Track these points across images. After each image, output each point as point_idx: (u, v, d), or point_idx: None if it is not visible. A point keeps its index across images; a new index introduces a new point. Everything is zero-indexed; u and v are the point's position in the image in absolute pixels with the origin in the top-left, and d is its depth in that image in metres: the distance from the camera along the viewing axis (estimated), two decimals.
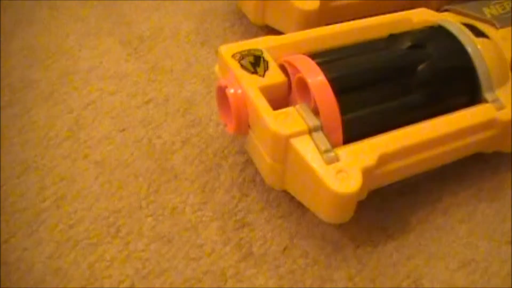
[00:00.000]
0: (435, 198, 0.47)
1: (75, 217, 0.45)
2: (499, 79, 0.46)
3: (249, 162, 0.48)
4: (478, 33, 0.48)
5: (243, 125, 0.43)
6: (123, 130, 0.52)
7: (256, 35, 0.60)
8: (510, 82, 0.48)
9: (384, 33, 0.50)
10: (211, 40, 0.60)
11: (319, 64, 0.43)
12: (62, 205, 0.46)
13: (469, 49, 0.46)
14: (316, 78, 0.41)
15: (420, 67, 0.44)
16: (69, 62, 0.59)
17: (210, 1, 0.65)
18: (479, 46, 0.46)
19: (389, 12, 0.54)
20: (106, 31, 0.61)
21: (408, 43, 0.46)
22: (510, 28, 0.52)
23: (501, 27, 0.52)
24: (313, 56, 0.44)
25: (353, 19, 0.53)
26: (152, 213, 0.45)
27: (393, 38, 0.46)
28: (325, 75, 0.41)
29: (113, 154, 0.50)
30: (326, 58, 0.44)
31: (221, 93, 0.44)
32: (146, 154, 0.50)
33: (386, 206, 0.46)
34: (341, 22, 0.52)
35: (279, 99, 0.44)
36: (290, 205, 0.44)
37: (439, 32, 0.47)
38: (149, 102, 0.54)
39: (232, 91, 0.44)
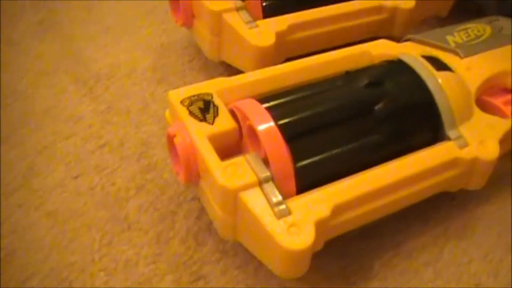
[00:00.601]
0: (400, 240, 0.45)
1: (26, 272, 0.44)
2: (462, 114, 0.44)
3: (204, 209, 0.45)
4: (440, 66, 0.45)
5: (193, 175, 0.41)
6: (77, 177, 0.50)
7: (215, 70, 0.58)
8: (475, 116, 0.45)
9: (342, 68, 0.48)
10: (169, 77, 0.58)
11: (269, 109, 0.41)
12: (13, 260, 0.44)
13: (430, 84, 0.44)
14: (265, 125, 0.39)
15: (378, 106, 0.42)
16: (26, 103, 0.57)
17: (170, 34, 0.62)
18: (440, 81, 0.44)
19: (351, 40, 0.54)
20: (62, 70, 0.60)
21: (365, 81, 0.43)
22: (475, 56, 0.49)
23: (466, 56, 0.49)
24: (263, 100, 0.42)
25: (314, 51, 0.52)
26: (104, 267, 0.44)
27: (350, 76, 0.44)
28: (275, 121, 0.39)
29: (66, 204, 0.48)
30: (277, 102, 0.42)
31: (170, 141, 0.42)
32: (99, 203, 0.48)
33: (348, 251, 0.44)
34: (302, 54, 0.52)
35: (231, 146, 0.42)
36: (247, 254, 0.42)
37: (398, 67, 0.45)
38: (104, 146, 0.51)
39: (180, 140, 0.41)
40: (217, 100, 0.43)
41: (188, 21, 0.55)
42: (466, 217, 0.46)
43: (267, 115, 0.40)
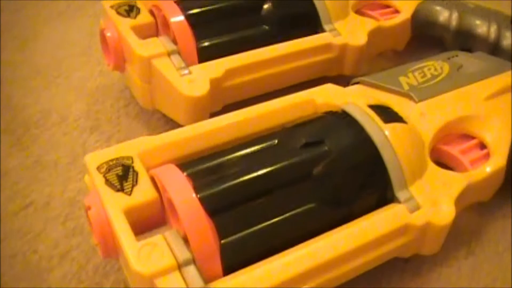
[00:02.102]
0: None
1: None
2: (414, 172, 0.39)
3: None
4: (389, 117, 0.41)
5: (112, 250, 0.37)
6: None
7: (152, 115, 0.54)
8: (428, 172, 0.39)
9: (282, 120, 0.44)
10: (102, 125, 0.53)
11: (191, 176, 0.35)
12: None
13: (376, 140, 0.39)
14: (185, 198, 0.33)
15: (316, 169, 0.36)
16: None
17: (106, 76, 0.57)
18: (388, 135, 0.39)
19: (298, 81, 0.51)
20: None
21: (302, 140, 0.38)
22: (431, 100, 0.44)
23: (420, 100, 0.44)
24: (186, 165, 0.38)
25: (258, 95, 0.49)
26: None
27: (286, 134, 0.39)
28: (197, 192, 0.33)
29: None
30: (202, 167, 0.37)
31: (87, 212, 0.37)
32: (21, 274, 0.44)
33: None
34: (242, 98, 0.49)
35: (153, 217, 0.37)
36: None
37: (340, 121, 0.40)
38: (28, 206, 0.47)
39: (94, 213, 0.37)
40: (137, 165, 0.37)
41: (120, 65, 0.49)
42: (420, 282, 0.41)
43: (187, 185, 0.34)
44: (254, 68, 0.48)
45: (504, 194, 0.46)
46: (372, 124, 0.40)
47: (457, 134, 0.46)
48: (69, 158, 0.51)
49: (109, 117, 0.54)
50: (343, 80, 0.49)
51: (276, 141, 0.39)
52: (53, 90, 0.57)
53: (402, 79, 0.47)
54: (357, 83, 0.47)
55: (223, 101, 0.48)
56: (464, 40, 0.57)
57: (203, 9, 0.50)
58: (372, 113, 0.40)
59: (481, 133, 0.45)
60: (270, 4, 0.50)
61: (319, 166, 0.37)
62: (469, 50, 0.53)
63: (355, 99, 0.42)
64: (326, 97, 0.44)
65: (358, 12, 0.57)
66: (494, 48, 0.55)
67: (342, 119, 0.40)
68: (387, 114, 0.41)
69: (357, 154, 0.39)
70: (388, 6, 0.58)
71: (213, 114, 0.47)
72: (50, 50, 0.62)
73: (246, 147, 0.39)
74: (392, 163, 0.39)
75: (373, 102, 0.42)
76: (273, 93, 0.50)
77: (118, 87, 0.57)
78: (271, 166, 0.37)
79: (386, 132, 0.39)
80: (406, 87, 0.46)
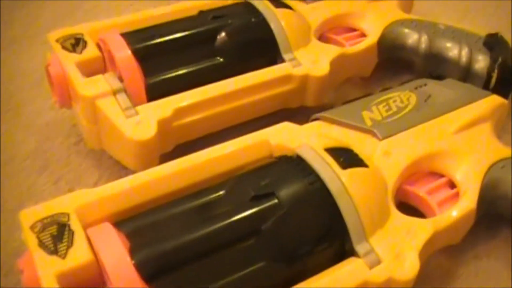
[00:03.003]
0: None
1: None
2: (375, 222, 0.37)
3: None
4: (348, 161, 0.38)
5: None
6: None
7: (103, 155, 0.51)
8: (391, 220, 0.36)
9: (235, 164, 0.41)
10: (51, 164, 0.50)
11: (128, 236, 0.32)
12: None
13: (332, 189, 0.37)
14: (118, 264, 0.30)
15: (266, 224, 0.35)
16: None
17: (57, 111, 0.53)
18: (345, 182, 0.38)
19: (257, 115, 0.49)
20: None
21: (251, 192, 0.35)
22: (395, 137, 0.41)
23: (384, 137, 0.42)
24: (123, 223, 0.35)
25: (211, 132, 0.47)
26: None
27: (234, 185, 0.36)
28: (132, 256, 0.32)
29: None
30: (140, 224, 0.34)
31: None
32: None
33: None
34: (197, 137, 0.46)
35: (88, 280, 0.35)
36: None
37: (293, 169, 0.38)
38: None
39: (27, 278, 0.34)
40: (74, 223, 0.35)
41: (66, 103, 0.46)
42: None
43: (121, 249, 0.31)
44: (207, 105, 0.45)
45: (475, 232, 0.42)
46: (328, 171, 0.36)
47: (425, 172, 0.42)
48: (14, 203, 0.47)
49: (59, 156, 0.51)
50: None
51: (223, 192, 0.36)
52: (1, 128, 0.53)
53: (365, 114, 0.43)
54: (317, 119, 0.43)
55: (175, 141, 0.45)
56: (434, 64, 0.53)
57: (151, 42, 0.46)
58: (328, 157, 0.37)
59: (450, 171, 0.42)
60: (224, 34, 0.47)
61: (269, 221, 0.34)
62: (439, 75, 0.49)
63: (312, 141, 0.39)
64: (281, 138, 0.41)
65: (322, 37, 0.53)
66: (466, 73, 0.52)
67: (295, 166, 0.37)
68: (346, 158, 0.38)
69: (311, 206, 0.35)
70: (354, 29, 0.54)
71: (164, 155, 0.45)
72: (2, 82, 0.57)
73: (190, 201, 0.36)
74: (350, 214, 0.35)
75: (331, 143, 0.39)
76: (230, 128, 0.47)
77: (70, 122, 0.53)
78: (216, 223, 0.34)
79: (344, 180, 0.36)
80: (369, 123, 0.42)
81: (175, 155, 0.42)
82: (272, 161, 0.38)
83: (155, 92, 0.44)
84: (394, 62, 0.55)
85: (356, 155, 0.39)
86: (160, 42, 0.47)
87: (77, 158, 0.51)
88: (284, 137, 0.41)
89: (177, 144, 0.46)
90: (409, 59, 0.54)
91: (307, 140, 0.39)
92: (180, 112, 0.44)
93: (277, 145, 0.41)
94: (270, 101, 0.47)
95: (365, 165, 0.38)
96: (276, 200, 0.35)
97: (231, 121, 0.47)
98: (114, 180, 0.40)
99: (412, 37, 0.54)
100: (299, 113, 0.49)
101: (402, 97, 0.45)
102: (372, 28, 0.53)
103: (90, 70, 0.46)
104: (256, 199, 0.35)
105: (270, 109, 0.48)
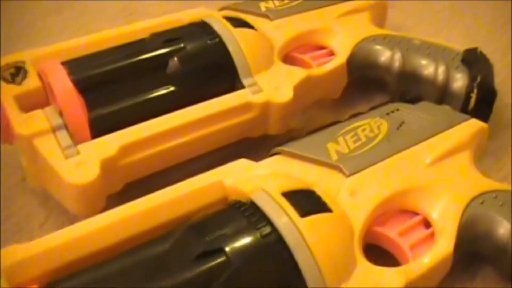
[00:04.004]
0: None
1: None
2: (339, 275, 0.34)
3: None
4: (308, 207, 0.36)
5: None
6: None
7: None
8: (358, 271, 0.33)
9: (186, 208, 0.37)
10: None
11: None
12: None
13: (289, 241, 0.31)
14: None
15: (214, 284, 0.29)
16: None
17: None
18: (304, 231, 0.32)
19: (215, 147, 0.45)
20: None
21: (198, 248, 0.31)
22: (364, 172, 0.39)
23: (352, 173, 0.40)
24: (57, 283, 0.32)
25: (165, 167, 0.43)
26: None
27: (180, 237, 0.32)
28: None
29: None
30: (75, 284, 0.29)
31: None
32: None
33: None
34: (149, 173, 0.43)
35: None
36: None
37: (245, 219, 0.34)
38: None
39: None
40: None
41: (8, 138, 0.41)
42: None
43: None
44: (158, 140, 0.40)
45: (452, 272, 0.38)
46: (285, 220, 0.32)
47: (397, 210, 0.37)
48: None
49: (4, 194, 0.46)
50: None
51: (169, 246, 0.31)
52: None
53: (331, 147, 0.39)
54: (277, 154, 0.39)
55: (123, 180, 0.40)
56: (408, 84, 0.49)
57: (96, 70, 0.42)
58: (286, 204, 0.33)
59: (425, 209, 0.38)
60: (176, 59, 0.42)
61: (219, 279, 0.29)
62: (413, 97, 0.45)
63: (268, 184, 0.34)
64: (236, 179, 0.36)
65: (287, 56, 0.48)
66: (443, 92, 0.47)
67: (248, 216, 0.33)
68: (306, 203, 0.34)
69: (265, 262, 0.31)
70: (322, 47, 0.49)
71: (112, 195, 0.41)
72: None
73: (133, 256, 0.32)
74: (310, 269, 0.31)
75: (289, 186, 0.35)
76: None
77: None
78: (160, 283, 0.30)
79: (302, 229, 0.32)
80: (334, 157, 0.38)
81: (126, 194, 0.39)
82: (223, 209, 0.34)
83: (99, 128, 0.40)
84: (366, 81, 0.50)
85: (318, 198, 0.35)
86: (106, 71, 0.42)
87: (21, 197, 0.45)
88: (238, 177, 0.37)
89: (126, 182, 0.41)
90: (382, 78, 0.49)
91: (263, 182, 0.35)
92: (127, 150, 0.39)
93: (231, 187, 0.36)
94: (228, 131, 0.43)
95: (328, 210, 0.34)
96: (224, 257, 0.30)
97: (186, 155, 0.42)
98: (62, 220, 0.39)
99: (384, 55, 0.49)
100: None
101: (372, 125, 0.41)
102: (341, 46, 0.49)
103: (30, 103, 0.42)
104: (204, 256, 0.30)
105: (229, 140, 0.44)
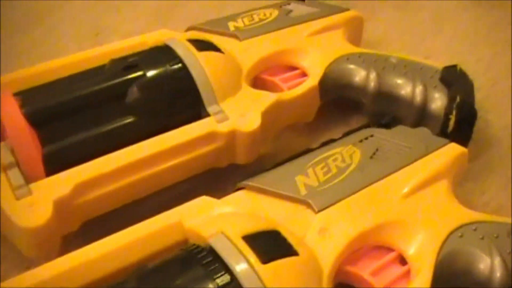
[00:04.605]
0: None
1: None
2: None
3: None
4: (272, 252, 0.33)
5: None
6: None
7: None
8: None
9: (142, 253, 0.35)
10: None
11: None
12: None
13: None
14: None
15: None
16: None
17: None
18: (264, 279, 0.27)
19: (179, 180, 0.43)
20: None
21: None
22: (335, 206, 0.38)
23: (321, 208, 0.38)
24: None
25: (125, 203, 0.40)
26: None
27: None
28: None
29: None
30: None
31: None
32: None
33: None
34: (108, 211, 0.40)
35: None
36: None
37: (202, 269, 0.30)
38: None
39: None
40: None
41: None
42: None
43: None
44: (117, 176, 0.38)
45: None
46: (244, 268, 0.30)
47: (371, 246, 0.35)
48: None
49: None
50: None
51: None
52: None
53: (299, 180, 0.36)
54: (241, 189, 0.36)
55: (80, 219, 0.38)
56: (385, 105, 0.46)
57: (50, 102, 0.40)
58: (246, 249, 0.31)
59: (400, 245, 0.36)
60: (135, 87, 0.39)
61: None
62: (389, 118, 0.42)
63: (228, 227, 0.31)
64: (196, 219, 0.34)
65: (257, 79, 0.45)
66: (421, 114, 0.45)
67: (207, 264, 0.30)
68: (269, 247, 0.32)
69: None
70: (294, 68, 0.47)
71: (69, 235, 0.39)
72: None
73: None
74: None
75: (252, 227, 0.32)
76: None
77: None
78: None
79: (264, 278, 0.30)
80: (303, 192, 0.36)
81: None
82: (180, 255, 0.31)
83: (54, 164, 0.38)
84: (342, 101, 0.48)
85: (283, 240, 0.32)
86: (61, 102, 0.40)
87: None
88: (198, 218, 0.34)
89: (84, 221, 0.39)
90: (357, 100, 0.47)
91: (223, 224, 0.33)
92: (83, 187, 0.37)
93: (190, 229, 0.33)
94: (192, 163, 0.40)
95: (294, 253, 0.31)
96: None
97: (148, 190, 0.40)
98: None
99: (359, 75, 0.47)
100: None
101: (344, 155, 0.38)
102: (313, 67, 0.46)
103: None
104: None
105: (194, 171, 0.41)
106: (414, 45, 0.59)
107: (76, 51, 0.51)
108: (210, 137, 0.41)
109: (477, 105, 0.46)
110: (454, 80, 0.46)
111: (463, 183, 0.44)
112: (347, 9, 0.53)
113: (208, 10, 0.62)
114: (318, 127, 0.48)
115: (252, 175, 0.38)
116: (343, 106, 0.49)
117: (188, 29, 0.49)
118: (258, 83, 0.47)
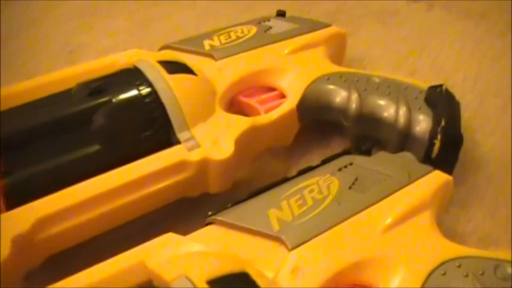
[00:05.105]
0: None
1: None
2: None
3: None
4: None
5: None
6: None
7: None
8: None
9: None
10: None
11: None
12: None
13: None
14: None
15: None
16: None
17: None
18: None
19: (149, 210, 0.40)
20: None
21: None
22: (307, 245, 0.35)
23: (293, 247, 0.35)
24: None
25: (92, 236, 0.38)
26: None
27: None
28: None
29: None
30: None
31: None
32: None
33: None
34: (72, 245, 0.38)
35: None
36: None
37: None
38: None
39: None
40: None
41: None
42: None
43: None
44: (81, 209, 0.36)
45: None
46: None
47: (349, 286, 0.32)
48: None
49: None
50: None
51: None
52: None
53: (272, 214, 0.34)
54: (210, 223, 0.35)
55: (43, 255, 0.36)
56: (367, 127, 0.44)
57: (11, 129, 0.38)
58: None
59: (379, 284, 0.33)
60: (101, 114, 0.37)
61: None
62: (370, 144, 0.39)
63: (193, 268, 0.29)
64: (160, 260, 0.31)
65: (233, 100, 0.43)
66: (405, 137, 0.42)
67: None
68: None
69: None
70: (273, 89, 0.44)
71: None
72: None
73: None
74: None
75: (218, 270, 0.30)
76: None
77: None
78: None
79: None
80: (276, 227, 0.34)
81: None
82: None
83: (15, 197, 0.35)
84: (323, 123, 0.45)
85: (252, 284, 0.29)
86: (23, 130, 0.37)
87: None
88: (163, 258, 0.31)
89: (48, 256, 0.37)
90: (338, 122, 0.44)
91: (187, 266, 0.30)
92: (45, 222, 0.35)
93: (153, 270, 0.31)
94: (161, 194, 0.38)
95: None
96: None
97: (114, 222, 0.37)
98: None
99: (339, 96, 0.45)
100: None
101: (321, 185, 0.36)
102: (292, 88, 0.44)
103: None
104: None
105: (164, 202, 0.39)
106: (399, 61, 0.56)
107: (50, 68, 0.49)
108: (180, 166, 0.38)
109: (464, 125, 0.43)
110: (440, 101, 0.43)
111: (448, 209, 0.42)
112: (329, 25, 0.51)
113: (186, 26, 0.60)
114: (298, 150, 0.46)
115: (223, 207, 0.35)
116: (324, 127, 0.47)
117: (162, 48, 0.47)
118: (234, 105, 0.44)
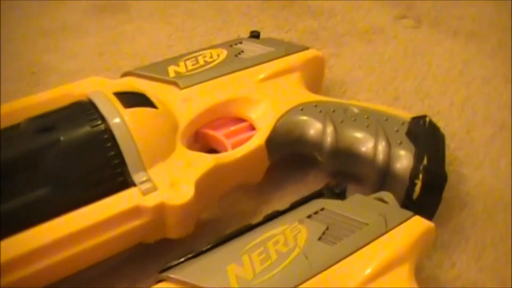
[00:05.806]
0: None
1: None
2: None
3: None
4: None
5: None
6: None
7: None
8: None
9: None
10: None
11: None
12: None
13: None
14: None
15: None
16: None
17: None
18: None
19: (102, 258, 0.37)
20: None
21: None
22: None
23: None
24: None
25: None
26: None
27: None
28: None
29: None
30: None
31: None
32: None
33: None
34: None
35: None
36: None
37: None
38: None
39: None
40: None
41: None
42: None
43: None
44: (27, 258, 0.33)
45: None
46: None
47: None
48: None
49: None
50: None
51: None
52: None
53: (231, 271, 0.31)
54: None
55: None
56: (343, 163, 0.40)
57: None
58: None
59: None
60: (50, 154, 0.33)
61: None
62: (343, 187, 0.36)
63: None
64: None
65: (198, 133, 0.39)
66: (384, 174, 0.39)
67: None
68: None
69: None
70: (242, 120, 0.40)
71: None
72: None
73: None
74: None
75: None
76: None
77: None
78: None
79: None
80: (234, 285, 0.29)
81: None
82: None
83: None
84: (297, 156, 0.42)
85: None
86: None
87: None
88: None
89: None
90: (312, 157, 0.40)
91: None
92: None
93: None
94: (115, 241, 0.35)
95: None
96: None
97: (66, 272, 0.34)
98: None
99: (314, 128, 0.41)
100: None
101: (287, 236, 0.32)
102: (262, 120, 0.41)
103: None
104: None
105: (118, 249, 0.36)
106: (383, 85, 0.53)
107: (12, 90, 0.45)
108: (134, 212, 0.35)
109: (449, 157, 0.40)
110: (422, 135, 0.40)
111: (430, 253, 0.38)
112: (306, 48, 0.47)
113: (158, 44, 0.56)
114: (270, 186, 0.42)
115: (179, 260, 0.33)
116: (300, 159, 0.43)
117: (123, 74, 0.43)
118: (200, 138, 0.40)
